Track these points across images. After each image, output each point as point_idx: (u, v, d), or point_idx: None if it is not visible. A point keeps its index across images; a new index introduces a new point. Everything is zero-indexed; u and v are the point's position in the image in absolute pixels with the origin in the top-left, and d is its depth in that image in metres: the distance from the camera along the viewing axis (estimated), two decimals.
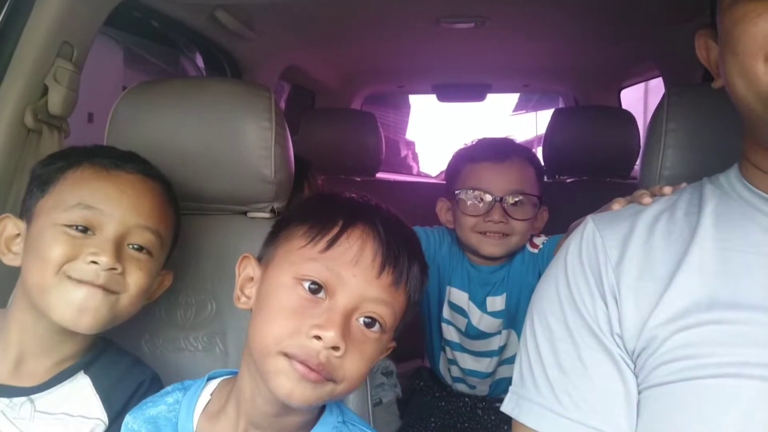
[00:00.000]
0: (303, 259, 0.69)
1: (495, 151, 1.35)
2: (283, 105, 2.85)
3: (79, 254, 0.80)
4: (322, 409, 0.79)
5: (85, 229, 0.82)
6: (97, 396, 0.87)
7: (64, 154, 0.90)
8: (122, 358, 0.93)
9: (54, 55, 1.14)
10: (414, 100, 6.35)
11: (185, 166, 1.05)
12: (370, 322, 0.69)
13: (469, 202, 1.33)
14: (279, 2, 1.56)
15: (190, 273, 1.07)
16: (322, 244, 0.69)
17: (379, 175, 2.59)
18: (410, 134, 6.93)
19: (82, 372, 0.88)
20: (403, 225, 0.77)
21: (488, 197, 1.31)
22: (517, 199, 1.31)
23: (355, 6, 1.62)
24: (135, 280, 0.85)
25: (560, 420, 0.64)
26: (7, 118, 1.09)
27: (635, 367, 0.63)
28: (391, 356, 1.72)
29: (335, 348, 0.65)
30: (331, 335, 0.65)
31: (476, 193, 1.32)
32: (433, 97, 3.10)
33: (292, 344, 0.66)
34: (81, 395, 0.86)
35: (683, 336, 0.59)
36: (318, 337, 0.65)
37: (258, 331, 0.69)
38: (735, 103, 0.63)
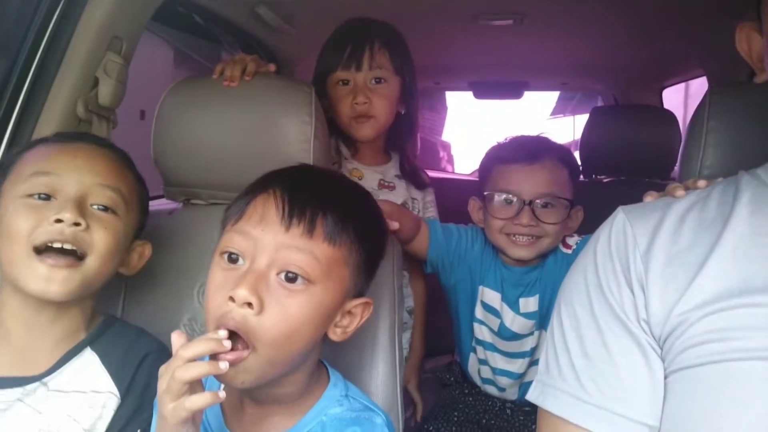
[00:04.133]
0: (223, 236, 0.77)
1: (526, 152, 1.31)
2: None
3: (44, 219, 0.83)
4: (325, 384, 0.83)
5: (47, 197, 0.85)
6: (106, 371, 0.89)
7: (23, 144, 0.95)
8: (127, 330, 0.95)
9: (104, 48, 1.19)
10: (450, 99, 6.31)
11: (227, 158, 1.08)
12: (293, 277, 0.72)
13: (497, 204, 1.31)
14: None
15: None
16: (234, 218, 0.76)
17: None
18: (446, 135, 6.90)
19: (88, 348, 0.90)
20: (316, 180, 0.83)
21: (517, 200, 1.28)
22: (547, 202, 1.28)
23: (393, 2, 1.63)
24: (101, 237, 0.86)
25: (584, 406, 0.64)
26: (61, 109, 1.14)
27: (662, 351, 0.63)
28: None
29: (249, 305, 0.69)
30: (240, 293, 0.68)
31: (505, 195, 1.30)
32: (469, 94, 3.09)
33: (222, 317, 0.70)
34: (90, 371, 0.89)
35: (713, 319, 0.58)
36: (232, 299, 0.69)
37: (204, 307, 0.75)
38: None
